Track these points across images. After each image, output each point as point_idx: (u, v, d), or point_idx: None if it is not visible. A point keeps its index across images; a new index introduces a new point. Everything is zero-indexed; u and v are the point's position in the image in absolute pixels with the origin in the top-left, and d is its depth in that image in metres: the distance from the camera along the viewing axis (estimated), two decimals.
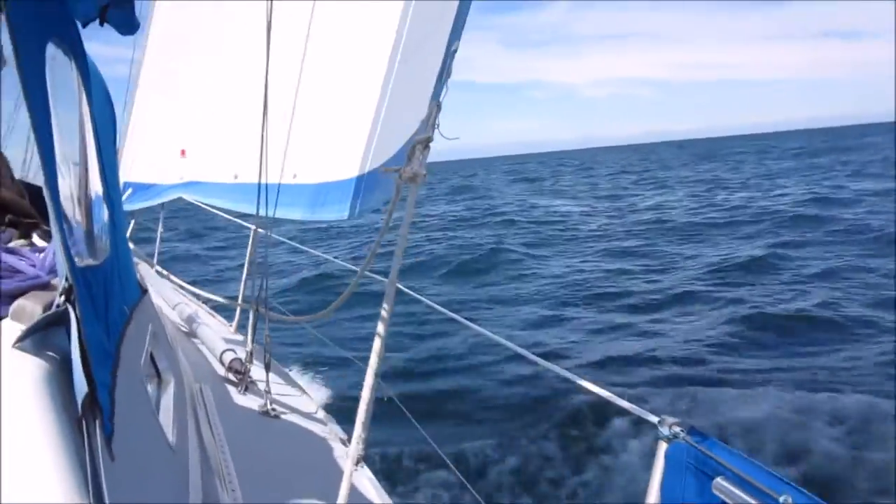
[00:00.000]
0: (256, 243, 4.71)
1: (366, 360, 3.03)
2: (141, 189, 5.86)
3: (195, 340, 4.45)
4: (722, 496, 1.37)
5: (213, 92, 5.42)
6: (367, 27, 4.05)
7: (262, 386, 3.79)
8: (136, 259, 5.73)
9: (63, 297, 1.23)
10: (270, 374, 4.08)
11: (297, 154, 4.50)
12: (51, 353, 1.19)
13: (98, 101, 1.89)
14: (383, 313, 2.34)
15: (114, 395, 1.37)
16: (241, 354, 4.01)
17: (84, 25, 3.49)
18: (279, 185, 4.59)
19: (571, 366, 8.45)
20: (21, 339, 1.15)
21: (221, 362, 4.03)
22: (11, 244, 2.12)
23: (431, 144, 2.78)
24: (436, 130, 2.75)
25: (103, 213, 1.93)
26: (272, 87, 4.17)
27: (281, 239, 5.03)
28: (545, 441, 6.64)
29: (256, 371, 3.98)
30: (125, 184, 5.88)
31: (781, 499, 1.24)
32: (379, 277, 3.65)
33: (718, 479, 1.39)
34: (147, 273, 5.64)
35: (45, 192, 1.18)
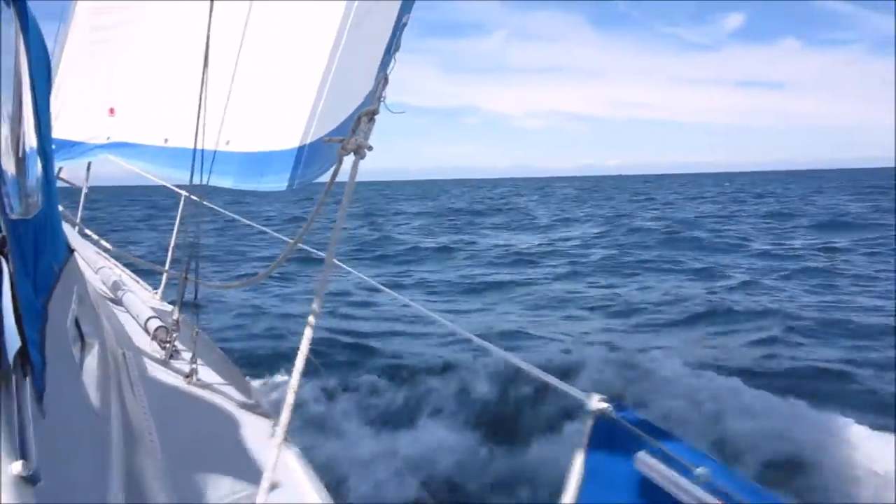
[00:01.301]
0: (186, 209, 4.59)
1: (297, 332, 3.00)
2: (65, 146, 5.60)
3: (119, 306, 4.31)
4: (643, 469, 1.40)
5: (146, 49, 5.22)
6: (310, 2, 3.96)
7: (187, 355, 3.70)
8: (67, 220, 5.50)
9: None
10: (198, 344, 3.99)
11: (234, 120, 4.38)
12: None
13: (35, 52, 1.79)
14: (318, 287, 2.31)
15: (44, 352, 1.33)
16: (168, 321, 3.90)
17: None
18: (215, 151, 4.47)
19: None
20: None
21: (146, 329, 3.92)
22: None
23: (377, 118, 2.76)
24: (381, 103, 2.72)
25: (37, 167, 1.85)
26: (212, 47, 4.03)
27: (212, 206, 4.91)
28: (474, 416, 6.73)
29: (183, 340, 3.88)
30: None
31: (697, 470, 1.27)
32: (312, 250, 3.60)
33: (640, 453, 1.42)
34: (70, 233, 5.41)
35: None
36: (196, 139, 3.63)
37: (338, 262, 3.53)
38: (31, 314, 1.36)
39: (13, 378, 1.02)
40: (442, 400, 7.11)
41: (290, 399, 3.32)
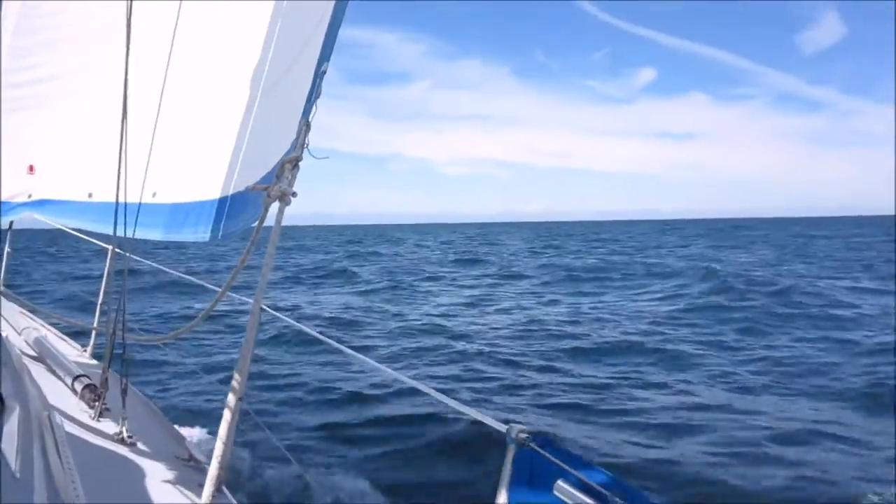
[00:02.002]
0: (113, 264, 4.52)
1: (228, 380, 2.99)
2: None
3: (45, 366, 4.20)
4: (562, 497, 1.44)
5: (65, 105, 5.17)
6: (233, 47, 3.99)
7: (117, 412, 3.63)
8: None
9: None
10: (128, 399, 3.91)
11: (159, 172, 4.36)
12: None
13: None
14: (248, 334, 2.33)
15: None
16: (97, 379, 3.83)
17: None
18: (139, 204, 4.43)
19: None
20: None
21: (73, 389, 3.83)
22: None
23: (301, 165, 2.82)
24: (305, 150, 2.79)
25: None
26: (131, 102, 4.03)
27: (139, 259, 4.83)
28: (397, 450, 6.77)
29: (112, 397, 3.80)
30: None
31: (611, 495, 1.33)
32: (241, 297, 3.60)
33: (559, 482, 1.46)
34: None
35: None
36: (118, 192, 3.61)
37: (266, 308, 3.55)
38: None
39: None
40: (367, 438, 7.14)
41: (218, 451, 3.29)
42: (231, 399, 3.59)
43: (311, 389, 8.83)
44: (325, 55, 2.84)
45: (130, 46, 3.45)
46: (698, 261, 36.34)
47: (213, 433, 5.55)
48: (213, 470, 3.48)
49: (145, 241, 4.44)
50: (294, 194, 2.66)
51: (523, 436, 1.61)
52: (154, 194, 4.46)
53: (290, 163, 2.71)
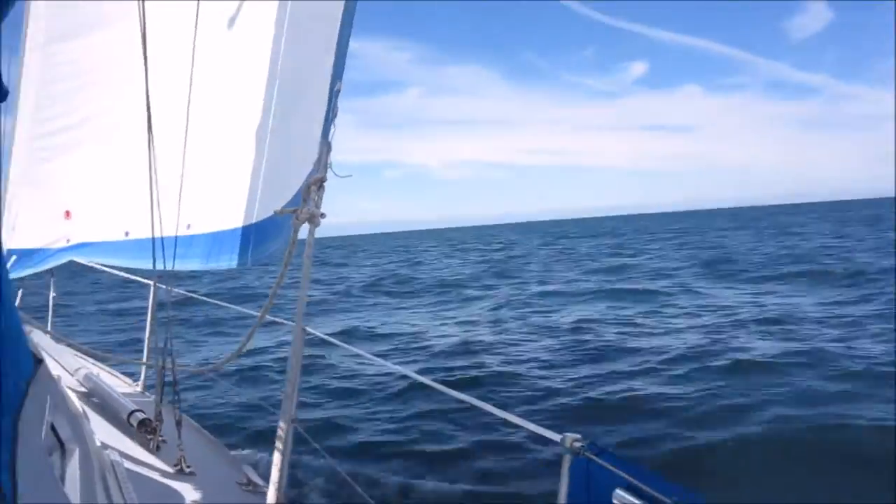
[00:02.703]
0: (157, 298, 4.62)
1: (278, 404, 3.04)
2: (25, 255, 5.62)
3: (100, 404, 4.30)
4: None
5: (93, 149, 5.30)
6: (246, 76, 4.07)
7: (173, 443, 3.71)
8: (28, 327, 5.47)
9: None
10: (185, 430, 3.99)
11: (189, 205, 4.46)
12: None
13: None
14: (292, 357, 2.36)
15: (15, 473, 1.36)
16: (151, 413, 3.91)
17: None
18: (175, 237, 4.54)
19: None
20: None
21: (130, 423, 3.92)
22: None
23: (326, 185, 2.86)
24: (329, 170, 2.83)
25: None
26: (158, 136, 4.13)
27: (182, 292, 4.94)
28: (458, 467, 6.72)
29: (168, 429, 3.89)
30: (8, 251, 5.62)
31: (671, 500, 1.33)
32: (280, 320, 3.66)
33: (618, 490, 1.45)
34: (42, 340, 5.39)
35: None
36: (153, 227, 3.69)
37: (310, 330, 3.60)
38: (4, 437, 1.41)
39: None
40: (424, 455, 7.18)
41: (275, 475, 3.35)
42: (282, 422, 3.65)
43: (361, 405, 8.85)
44: (337, 74, 2.89)
45: (149, 85, 3.52)
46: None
47: (270, 456, 5.67)
48: (271, 494, 3.54)
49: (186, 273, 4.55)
50: (323, 215, 2.70)
51: (578, 444, 1.62)
52: (189, 226, 4.57)
53: (316, 184, 2.75)
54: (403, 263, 44.94)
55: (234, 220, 4.27)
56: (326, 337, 3.49)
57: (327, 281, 30.86)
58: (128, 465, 3.43)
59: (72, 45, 5.14)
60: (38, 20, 5.26)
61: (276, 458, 3.22)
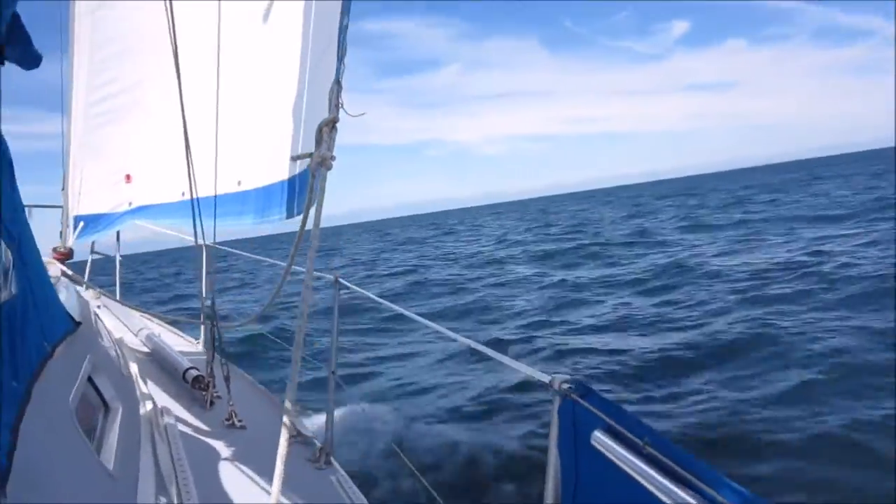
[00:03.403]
0: (209, 258, 4.66)
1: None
2: (92, 221, 5.77)
3: (160, 363, 4.41)
4: (598, 447, 1.45)
5: (144, 113, 5.34)
6: (278, 34, 4.04)
7: (226, 398, 3.74)
8: (91, 290, 5.66)
9: None
10: (238, 385, 4.03)
11: (239, 162, 4.46)
12: None
13: None
14: (303, 303, 2.28)
15: (17, 433, 1.36)
16: (204, 370, 3.97)
17: None
18: (226, 195, 4.55)
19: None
20: None
21: (185, 380, 3.99)
22: None
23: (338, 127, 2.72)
24: (341, 110, 2.68)
25: (3, 254, 1.88)
26: (203, 102, 4.13)
27: (227, 249, 4.97)
28: (458, 409, 6.81)
29: (224, 384, 3.94)
30: (76, 217, 5.79)
31: (643, 441, 1.33)
32: (301, 269, 3.61)
33: (595, 432, 1.46)
34: (111, 302, 5.57)
35: None
36: (191, 188, 3.68)
37: (343, 282, 3.52)
38: (7, 398, 1.42)
39: None
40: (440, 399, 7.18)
41: (323, 425, 3.31)
42: (328, 374, 3.63)
43: (388, 358, 9.00)
44: (345, 8, 2.72)
45: (178, 50, 3.50)
46: None
47: (316, 408, 5.80)
48: (319, 444, 3.54)
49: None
50: (333, 158, 2.57)
51: (566, 386, 1.62)
52: (239, 182, 4.58)
53: (328, 125, 2.61)
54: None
55: (280, 173, 4.24)
56: (358, 290, 3.42)
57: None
58: (181, 420, 3.48)
59: (119, 10, 5.16)
60: None
61: (324, 407, 3.21)
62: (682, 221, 33.18)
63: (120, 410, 2.61)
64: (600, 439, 1.44)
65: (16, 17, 3.33)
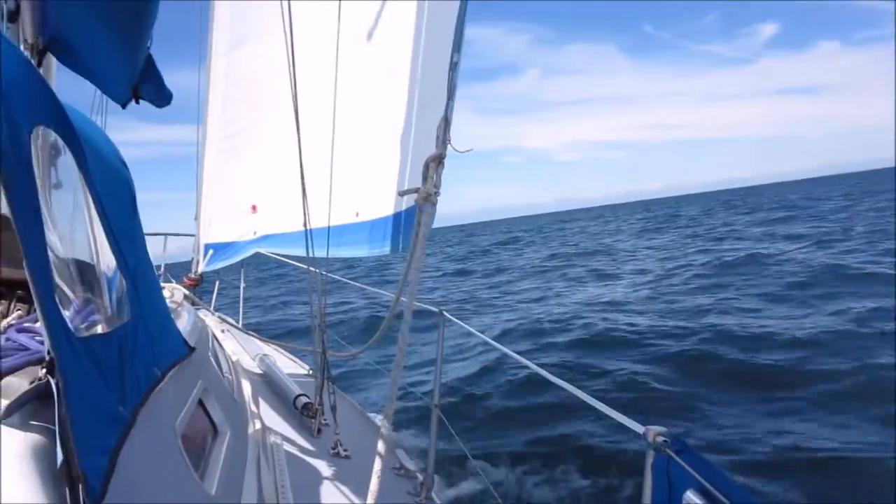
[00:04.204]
0: (320, 286, 4.79)
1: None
2: (220, 248, 6.09)
3: (273, 388, 4.55)
4: None
5: (273, 148, 5.60)
6: (392, 79, 4.17)
7: (333, 427, 3.80)
8: (215, 317, 5.94)
9: (45, 371, 1.28)
10: (347, 413, 4.09)
11: (356, 194, 4.60)
12: (39, 425, 1.23)
13: (103, 176, 1.94)
14: (401, 336, 2.28)
15: (116, 457, 1.40)
16: (314, 398, 4.05)
17: (123, 106, 3.72)
18: (344, 225, 4.70)
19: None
20: (5, 415, 1.20)
21: (295, 406, 4.09)
22: (26, 322, 2.20)
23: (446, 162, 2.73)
24: (448, 145, 2.69)
25: (118, 283, 1.98)
26: (322, 137, 4.29)
27: (336, 277, 5.09)
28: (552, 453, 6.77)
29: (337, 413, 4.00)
30: (206, 245, 6.13)
31: None
32: (423, 306, 3.63)
33: (688, 493, 1.40)
34: (233, 331, 5.82)
35: (27, 271, 1.20)
36: (305, 219, 3.79)
37: (449, 316, 3.51)
38: (109, 422, 1.47)
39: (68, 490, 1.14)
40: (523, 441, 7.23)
41: (426, 459, 3.29)
42: (431, 408, 3.62)
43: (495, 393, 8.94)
44: (455, 46, 2.74)
45: (296, 88, 3.67)
46: None
47: (420, 440, 5.81)
48: (421, 478, 3.52)
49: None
50: (437, 193, 2.57)
51: (661, 440, 1.56)
52: (357, 213, 4.72)
53: (434, 161, 2.62)
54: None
55: (389, 207, 4.35)
56: (461, 323, 3.40)
57: None
58: (287, 447, 3.56)
59: (249, 50, 5.47)
60: (222, 30, 5.65)
61: (427, 441, 3.19)
62: None
63: (228, 435, 2.68)
64: (692, 500, 1.38)
65: (149, 59, 3.61)
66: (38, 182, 1.38)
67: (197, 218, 6.19)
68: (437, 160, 2.65)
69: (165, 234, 7.18)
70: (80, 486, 1.17)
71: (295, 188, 5.53)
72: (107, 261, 1.92)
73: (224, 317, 6.05)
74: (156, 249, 7.00)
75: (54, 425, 1.21)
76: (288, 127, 5.37)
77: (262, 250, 5.83)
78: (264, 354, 5.07)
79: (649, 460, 1.57)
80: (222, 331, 5.69)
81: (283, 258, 5.67)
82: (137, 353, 1.84)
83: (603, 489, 6.03)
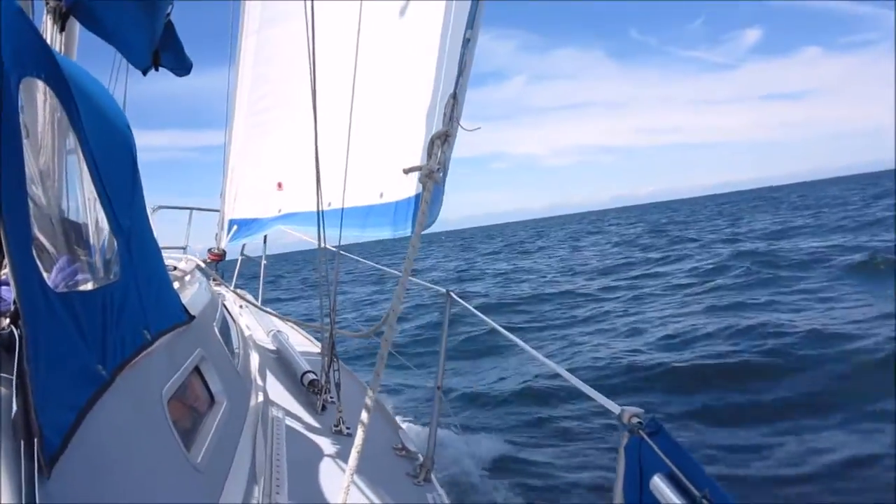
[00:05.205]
0: (335, 265, 4.80)
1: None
2: (244, 224, 6.12)
3: (283, 363, 4.57)
4: (655, 493, 1.38)
5: (300, 126, 5.61)
6: (418, 60, 4.13)
7: (344, 404, 3.80)
8: (231, 294, 5.98)
9: (8, 321, 1.28)
10: (355, 392, 4.10)
11: (381, 175, 4.58)
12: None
13: (101, 135, 1.93)
14: (393, 306, 2.27)
15: (85, 414, 1.40)
16: (321, 375, 4.06)
17: (144, 73, 3.75)
18: (371, 206, 4.69)
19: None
20: None
21: (302, 383, 4.11)
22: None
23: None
24: (454, 124, 2.66)
25: (107, 242, 1.98)
26: (347, 116, 4.29)
27: (350, 256, 5.08)
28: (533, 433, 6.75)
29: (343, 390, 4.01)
30: (230, 221, 6.17)
31: (702, 493, 1.26)
32: (427, 284, 3.61)
33: (655, 477, 1.39)
34: (251, 308, 5.87)
35: (1, 218, 1.18)
36: (317, 200, 3.79)
37: (455, 297, 3.49)
38: (85, 379, 1.48)
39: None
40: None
41: (427, 441, 3.28)
42: (434, 391, 3.60)
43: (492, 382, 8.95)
44: (469, 22, 2.71)
45: (315, 70, 3.69)
46: None
47: (422, 423, 5.81)
48: (421, 459, 3.51)
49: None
50: (440, 171, 2.55)
51: (635, 420, 1.56)
52: (381, 194, 4.71)
53: (440, 138, 2.59)
54: None
55: (411, 188, 4.32)
56: (469, 307, 3.37)
57: None
58: (290, 422, 3.58)
59: (278, 30, 5.48)
60: (255, 7, 5.67)
61: (428, 423, 3.18)
62: None
63: (224, 405, 2.68)
64: (658, 486, 1.36)
65: (170, 26, 3.63)
66: (24, 132, 1.38)
67: (222, 194, 6.24)
68: (443, 137, 2.63)
69: (191, 209, 7.27)
70: (36, 439, 1.17)
71: (321, 167, 5.58)
72: (98, 220, 1.92)
73: (243, 293, 6.10)
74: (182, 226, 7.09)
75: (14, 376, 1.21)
76: (310, 109, 5.42)
77: (285, 227, 5.85)
78: (278, 331, 5.11)
79: (623, 442, 1.56)
80: (240, 306, 5.73)
81: (302, 235, 5.69)
82: (125, 314, 1.84)
83: (587, 469, 6.06)
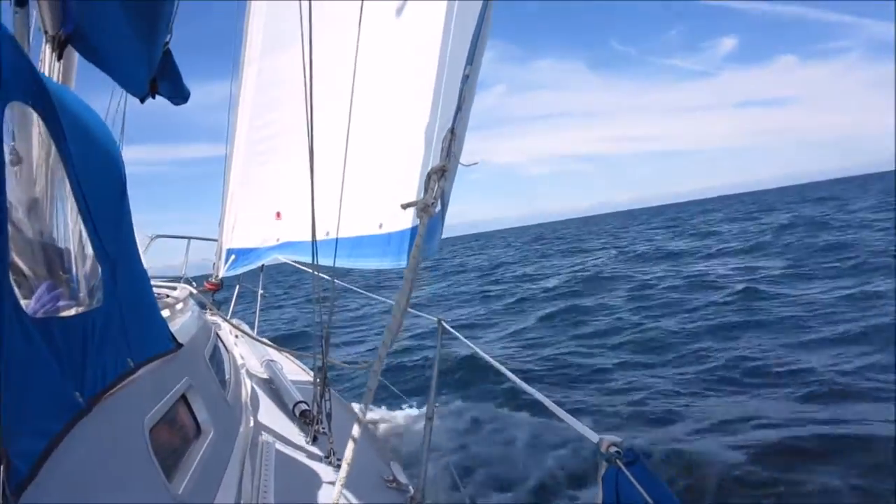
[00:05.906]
0: (332, 294, 4.79)
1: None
2: (243, 254, 6.13)
3: (275, 392, 4.54)
4: None
5: (300, 156, 5.64)
6: (416, 93, 4.16)
7: (335, 434, 3.76)
8: (226, 324, 5.96)
9: None
10: (348, 422, 4.05)
11: (380, 205, 4.59)
12: None
13: (88, 159, 1.93)
14: (384, 341, 2.25)
15: (58, 443, 1.38)
16: (312, 405, 4.02)
17: (141, 101, 3.77)
18: (367, 236, 4.69)
19: None
20: None
21: (294, 412, 4.08)
22: None
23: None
24: (450, 159, 2.67)
25: (90, 268, 1.96)
26: (348, 146, 4.31)
27: (346, 285, 5.08)
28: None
29: (335, 420, 3.97)
30: (228, 251, 6.18)
31: None
32: (425, 315, 3.60)
33: None
34: (246, 338, 5.84)
35: None
36: (313, 229, 3.79)
37: (445, 325, 3.47)
38: (59, 406, 1.46)
39: None
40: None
41: (417, 474, 3.24)
42: (424, 421, 3.57)
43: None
44: (468, 58, 2.73)
45: (312, 98, 3.69)
46: None
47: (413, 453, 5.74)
48: (412, 492, 3.47)
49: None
50: (433, 204, 2.54)
51: (613, 450, 1.54)
52: (380, 225, 4.71)
53: (436, 173, 2.59)
54: None
55: (409, 220, 4.32)
56: (460, 336, 3.36)
57: None
58: (280, 452, 3.53)
59: (279, 59, 5.53)
60: (256, 35, 5.73)
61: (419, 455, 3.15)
62: None
63: (211, 434, 2.64)
64: None
65: (168, 55, 3.65)
66: (11, 158, 1.38)
67: (221, 223, 6.25)
68: (439, 172, 2.63)
69: (189, 238, 7.26)
70: (2, 466, 1.16)
71: (320, 196, 5.59)
72: (84, 246, 1.92)
73: (238, 322, 6.08)
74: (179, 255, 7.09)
75: None
76: (315, 135, 5.45)
77: (282, 257, 5.86)
78: (271, 360, 5.07)
79: (601, 471, 1.55)
80: (236, 336, 5.71)
81: (299, 265, 5.69)
82: (108, 341, 1.82)
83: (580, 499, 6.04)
